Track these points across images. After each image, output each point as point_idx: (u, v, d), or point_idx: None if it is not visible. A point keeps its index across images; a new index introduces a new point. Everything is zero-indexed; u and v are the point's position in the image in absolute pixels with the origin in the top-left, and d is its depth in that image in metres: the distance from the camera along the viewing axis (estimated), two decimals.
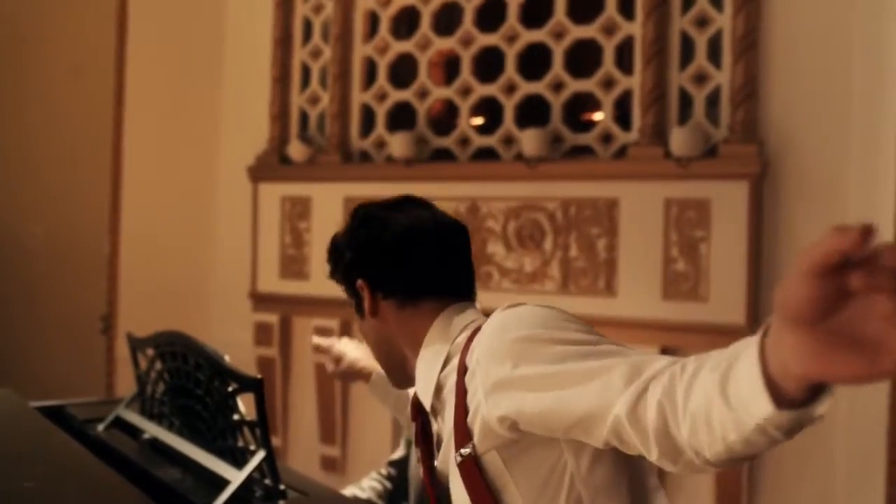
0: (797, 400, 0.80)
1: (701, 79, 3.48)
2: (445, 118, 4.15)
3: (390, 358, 1.46)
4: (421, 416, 1.41)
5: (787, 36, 3.34)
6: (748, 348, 0.84)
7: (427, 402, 1.35)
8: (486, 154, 3.96)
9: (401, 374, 1.46)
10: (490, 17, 3.93)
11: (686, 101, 3.51)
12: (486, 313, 2.27)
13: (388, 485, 2.61)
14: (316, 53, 4.40)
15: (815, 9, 3.31)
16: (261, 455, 1.82)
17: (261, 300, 4.45)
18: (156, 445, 2.16)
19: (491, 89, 3.94)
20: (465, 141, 4.01)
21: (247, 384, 1.88)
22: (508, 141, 3.89)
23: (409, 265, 1.40)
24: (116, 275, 4.63)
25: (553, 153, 3.72)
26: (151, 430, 2.20)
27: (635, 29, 3.59)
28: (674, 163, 3.41)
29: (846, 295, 0.69)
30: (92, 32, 4.89)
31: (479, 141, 3.97)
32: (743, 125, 3.35)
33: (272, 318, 4.40)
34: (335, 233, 1.50)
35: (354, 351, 1.95)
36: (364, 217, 1.46)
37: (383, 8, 4.22)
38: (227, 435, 1.92)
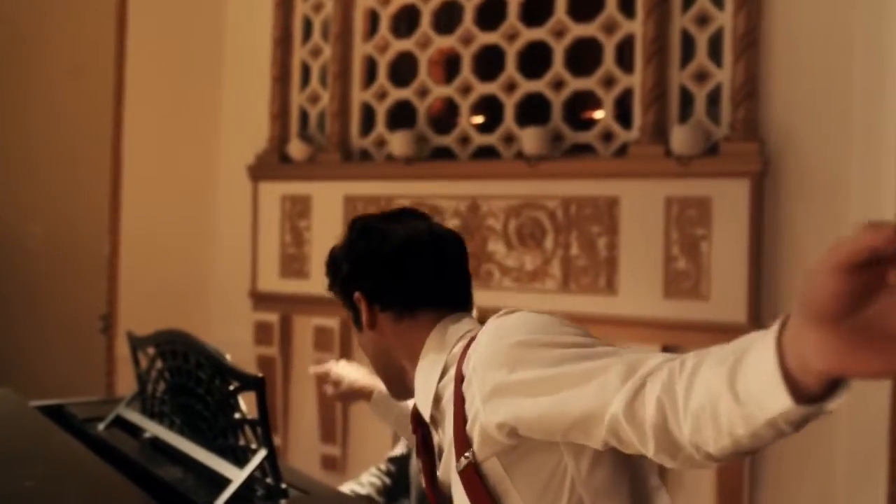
0: (815, 394, 0.80)
1: (702, 77, 3.48)
2: (446, 117, 4.15)
3: (389, 370, 1.46)
4: (421, 427, 1.41)
5: (787, 34, 3.34)
6: (759, 343, 0.84)
7: (426, 413, 1.35)
8: (487, 152, 3.95)
9: (400, 386, 1.46)
10: (490, 16, 3.93)
11: (687, 99, 3.51)
12: (484, 316, 2.28)
13: (388, 481, 2.61)
14: (316, 52, 4.39)
15: (815, 7, 3.31)
16: (262, 454, 1.82)
17: (261, 299, 4.44)
18: (157, 444, 2.15)
19: (491, 88, 3.94)
20: (465, 139, 4.01)
21: (248, 383, 1.88)
22: (509, 139, 3.88)
23: (406, 277, 1.40)
24: (116, 274, 4.63)
25: (553, 151, 3.72)
26: (152, 428, 2.19)
27: (636, 27, 3.58)
28: (674, 161, 3.41)
29: (871, 292, 0.69)
30: (92, 32, 4.89)
31: (480, 139, 3.97)
32: (744, 123, 3.35)
33: (272, 318, 4.39)
34: (333, 245, 1.50)
35: (353, 372, 1.97)
36: (361, 229, 1.46)
37: (383, 6, 4.22)
38: (229, 434, 1.91)
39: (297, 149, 4.31)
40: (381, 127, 4.22)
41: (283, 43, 4.43)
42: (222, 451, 1.92)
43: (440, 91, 4.09)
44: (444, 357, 1.33)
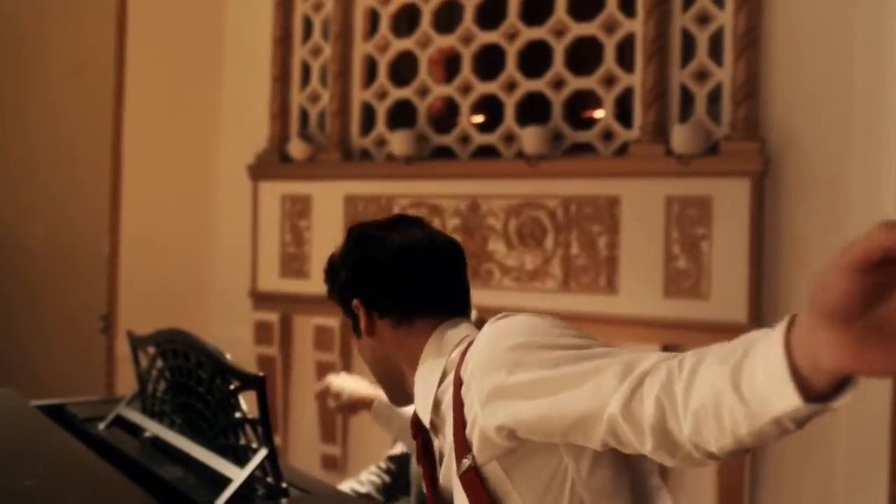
0: (823, 392, 0.80)
1: (702, 76, 3.48)
2: (446, 116, 4.15)
3: (388, 376, 1.46)
4: (421, 433, 1.42)
5: (788, 33, 3.34)
6: (763, 342, 0.85)
7: (426, 419, 1.35)
8: (487, 152, 3.95)
9: (400, 392, 1.47)
10: (490, 15, 3.92)
11: (687, 98, 3.51)
12: (484, 316, 2.27)
13: (387, 479, 2.61)
14: (316, 51, 4.39)
15: (816, 6, 3.31)
16: (263, 453, 1.81)
17: (261, 299, 4.44)
18: (157, 444, 2.15)
19: (491, 87, 3.94)
20: (465, 139, 4.01)
21: (248, 382, 1.88)
22: (509, 138, 3.88)
23: (403, 284, 1.41)
24: (116, 274, 4.62)
25: (554, 151, 3.72)
26: (153, 428, 2.19)
27: (636, 26, 3.58)
28: (675, 160, 3.40)
29: (883, 291, 0.70)
30: (92, 32, 4.88)
31: (480, 139, 3.97)
32: (744, 122, 3.34)
33: (272, 317, 4.39)
34: (331, 253, 1.50)
35: (353, 383, 1.97)
36: (359, 237, 1.46)
37: (383, 5, 4.22)
38: (229, 433, 1.91)
39: (297, 148, 4.30)
40: (381, 126, 4.21)
41: (283, 42, 4.43)
42: (223, 450, 1.91)
43: (440, 90, 4.09)
44: (443, 362, 1.33)
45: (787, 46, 3.34)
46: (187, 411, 2.07)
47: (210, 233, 4.69)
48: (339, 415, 4.04)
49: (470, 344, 1.27)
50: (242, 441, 1.88)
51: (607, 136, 3.69)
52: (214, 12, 4.69)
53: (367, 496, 2.54)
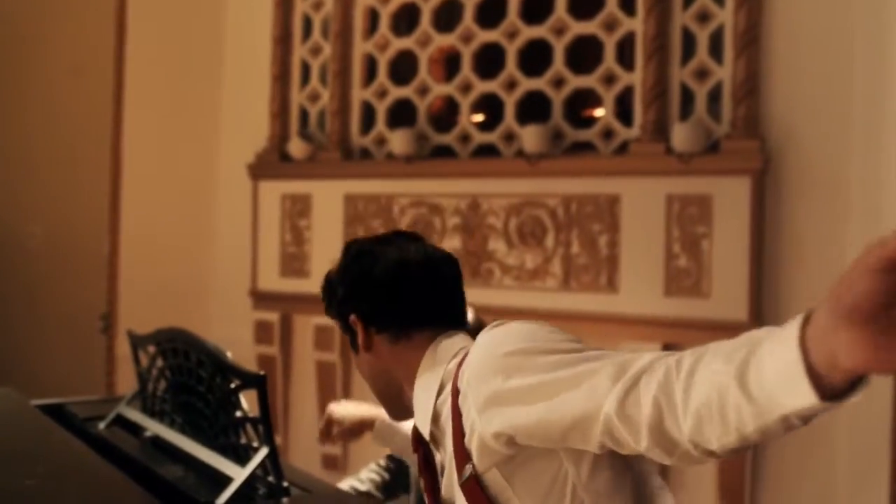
0: (837, 390, 0.81)
1: (702, 74, 3.47)
2: (446, 115, 4.14)
3: (387, 391, 1.47)
4: (422, 446, 1.42)
5: (788, 31, 3.34)
6: (772, 340, 0.85)
7: (426, 431, 1.36)
8: (487, 151, 3.95)
9: (399, 407, 1.47)
10: (490, 14, 3.92)
11: (687, 96, 3.50)
12: (480, 316, 2.27)
13: (387, 476, 2.61)
14: (316, 50, 4.39)
15: (816, 4, 3.30)
16: (264, 452, 1.81)
17: (261, 298, 4.44)
18: (157, 443, 2.15)
19: (491, 86, 3.93)
20: (465, 138, 4.00)
21: (249, 381, 1.87)
22: (509, 137, 3.88)
23: (400, 299, 1.41)
24: (116, 274, 4.62)
25: (554, 149, 3.71)
26: (153, 427, 2.19)
27: (636, 25, 3.58)
28: (675, 159, 3.40)
29: None
30: (92, 32, 4.88)
31: (480, 137, 3.96)
32: (745, 121, 3.34)
33: (273, 317, 4.39)
34: (329, 269, 1.51)
35: (352, 408, 1.98)
36: (355, 253, 1.47)
37: (383, 4, 4.21)
38: (230, 432, 1.91)
39: (297, 147, 4.30)
40: (381, 125, 4.21)
41: (282, 41, 4.43)
42: (223, 449, 1.91)
43: (440, 89, 4.09)
44: (440, 374, 1.34)
45: (787, 45, 3.34)
46: (188, 410, 2.06)
47: (210, 232, 4.69)
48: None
49: (466, 355, 1.27)
50: (243, 440, 1.88)
51: (607, 134, 3.68)
52: (214, 12, 4.68)
53: (367, 494, 2.54)
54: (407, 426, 1.61)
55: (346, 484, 2.60)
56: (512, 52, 3.87)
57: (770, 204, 3.33)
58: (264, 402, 1.82)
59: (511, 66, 3.88)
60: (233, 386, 1.90)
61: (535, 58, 3.82)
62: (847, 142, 3.22)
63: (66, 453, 2.04)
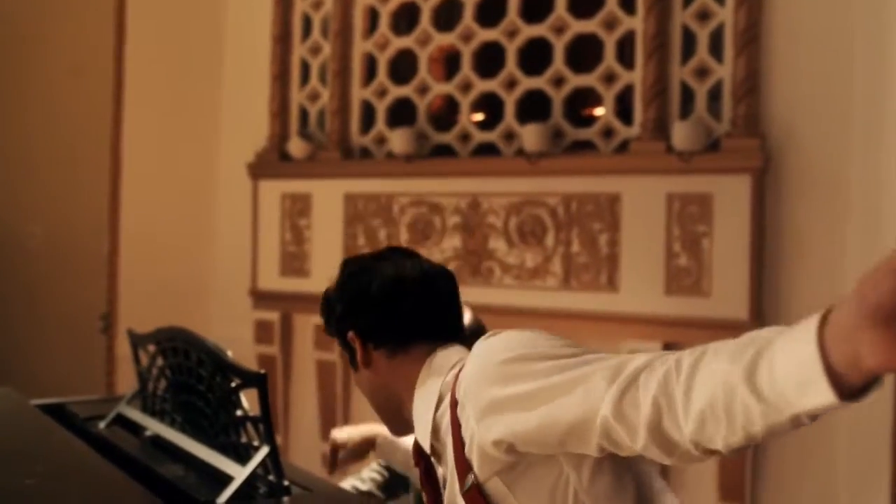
0: (855, 389, 0.82)
1: (702, 73, 3.47)
2: (446, 114, 4.14)
3: (387, 406, 1.47)
4: (423, 459, 1.43)
5: (788, 30, 3.33)
6: (784, 339, 0.86)
7: (426, 444, 1.36)
8: (487, 150, 3.94)
9: (399, 422, 1.47)
10: (490, 12, 3.92)
11: (688, 95, 3.50)
12: (478, 317, 2.27)
13: (388, 476, 2.60)
14: (315, 50, 4.38)
15: (816, 3, 3.30)
16: (265, 451, 1.81)
17: (261, 298, 4.44)
18: (158, 442, 2.14)
19: (491, 85, 3.93)
20: (465, 137, 4.00)
21: (250, 379, 1.87)
22: (509, 136, 3.88)
23: (396, 315, 1.42)
24: (116, 273, 4.62)
25: (554, 148, 3.71)
26: (153, 426, 2.18)
27: (636, 23, 3.58)
28: (676, 157, 3.40)
29: None
30: (91, 32, 4.88)
31: (480, 136, 3.96)
32: (745, 119, 3.34)
33: (273, 316, 4.39)
34: (327, 287, 1.52)
35: (353, 430, 1.98)
36: (352, 270, 1.48)
37: (383, 3, 4.21)
38: (230, 431, 1.90)
39: (297, 147, 4.30)
40: (381, 124, 4.21)
41: (282, 41, 4.42)
42: (224, 448, 1.91)
43: (440, 88, 4.08)
44: (438, 386, 1.34)
45: (787, 43, 3.33)
46: (188, 409, 2.06)
47: (210, 232, 4.68)
48: (337, 403, 4.07)
49: (463, 366, 1.28)
50: (244, 439, 1.88)
51: (608, 133, 3.68)
52: (214, 11, 4.68)
53: (368, 494, 2.53)
54: (408, 441, 1.62)
55: (347, 483, 2.60)
56: (512, 50, 3.87)
57: (770, 202, 3.33)
58: (265, 400, 1.81)
59: (511, 65, 3.87)
60: (233, 385, 1.90)
61: (535, 56, 3.82)
62: (847, 140, 3.21)
63: (67, 453, 2.04)
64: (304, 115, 4.43)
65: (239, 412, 1.89)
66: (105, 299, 4.64)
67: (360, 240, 4.13)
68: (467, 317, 1.62)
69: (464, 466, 1.25)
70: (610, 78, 3.67)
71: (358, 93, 4.28)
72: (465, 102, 3.99)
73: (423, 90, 4.11)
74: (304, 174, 4.33)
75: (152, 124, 4.61)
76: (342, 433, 2.00)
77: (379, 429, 1.86)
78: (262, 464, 1.81)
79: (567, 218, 3.65)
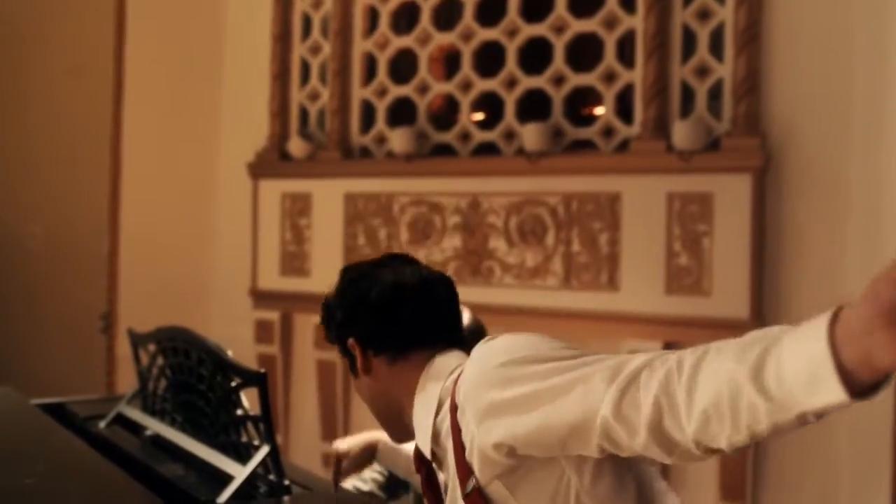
0: (865, 388, 0.82)
1: (703, 72, 3.47)
2: (446, 113, 4.14)
3: (388, 412, 1.47)
4: (424, 465, 1.42)
5: (789, 29, 3.33)
6: (792, 339, 0.86)
7: (426, 450, 1.36)
8: (487, 149, 3.94)
9: (399, 428, 1.47)
10: (490, 12, 3.92)
11: (688, 94, 3.50)
12: (476, 317, 2.26)
13: (389, 475, 2.60)
14: (315, 49, 4.38)
15: (817, 2, 3.30)
16: (265, 450, 1.81)
17: (261, 297, 4.43)
18: (158, 442, 2.14)
19: (492, 84, 3.93)
20: (465, 136, 4.00)
21: (250, 379, 1.87)
22: (509, 135, 3.87)
23: (395, 322, 1.42)
24: (116, 273, 4.62)
25: (554, 147, 3.71)
26: (154, 426, 2.18)
27: (636, 22, 3.57)
28: (676, 156, 3.40)
29: None
30: (91, 32, 4.88)
31: (480, 136, 3.96)
32: (745, 118, 3.34)
33: (273, 316, 4.38)
34: (327, 294, 1.52)
35: (353, 440, 1.98)
36: (351, 277, 1.48)
37: (383, 3, 4.21)
38: (231, 430, 1.90)
39: (297, 146, 4.30)
40: (381, 124, 4.21)
41: (282, 40, 4.42)
42: (224, 447, 1.91)
43: (440, 88, 4.08)
44: (438, 391, 1.34)
45: (787, 42, 3.33)
46: (188, 409, 2.06)
47: (210, 231, 4.68)
48: (337, 402, 4.07)
49: (462, 372, 1.28)
50: (244, 438, 1.88)
51: (608, 132, 3.68)
52: (214, 11, 4.68)
53: (369, 494, 2.53)
54: (409, 447, 1.61)
55: (349, 483, 2.59)
56: (512, 50, 3.87)
57: (771, 201, 3.32)
58: (265, 400, 1.81)
59: (511, 65, 3.87)
60: (233, 384, 1.90)
61: (536, 56, 3.82)
62: (847, 139, 3.21)
63: (67, 452, 2.04)
64: (304, 114, 4.43)
65: (239, 411, 1.89)
66: (105, 299, 4.64)
67: (361, 239, 4.13)
68: (466, 317, 1.62)
69: (465, 470, 1.25)
70: (610, 77, 3.67)
71: (358, 92, 4.28)
72: (465, 102, 3.99)
73: (423, 89, 4.11)
74: (305, 174, 4.33)
75: (152, 124, 4.61)
76: (344, 443, 2.00)
77: (380, 435, 1.86)
78: (263, 463, 1.81)
79: (567, 217, 3.65)
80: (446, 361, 1.38)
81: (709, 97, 3.46)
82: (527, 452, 1.17)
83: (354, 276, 1.48)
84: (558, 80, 3.78)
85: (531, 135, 3.66)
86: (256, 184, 4.47)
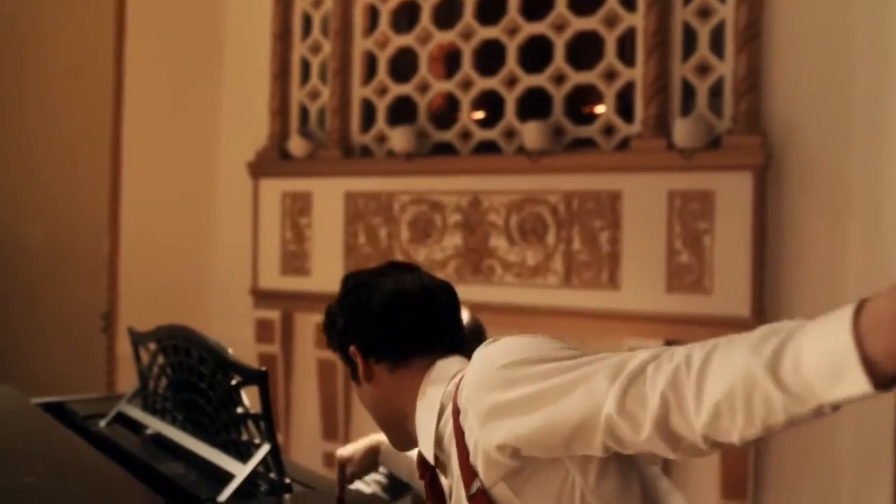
0: (889, 378, 0.83)
1: (703, 70, 3.46)
2: (446, 112, 4.13)
3: (390, 419, 1.47)
4: (428, 470, 1.42)
5: (789, 26, 3.33)
6: (812, 332, 0.86)
7: (430, 455, 1.36)
8: (488, 147, 3.94)
9: (402, 435, 1.48)
10: (491, 10, 3.91)
11: (689, 92, 3.49)
12: (475, 316, 2.25)
13: (393, 477, 2.60)
14: (316, 48, 4.38)
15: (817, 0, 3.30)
16: (266, 448, 1.80)
17: (262, 297, 4.43)
18: (159, 441, 2.14)
19: (492, 82, 3.92)
20: (466, 134, 4.00)
21: (251, 377, 1.86)
22: (510, 134, 3.87)
23: (395, 330, 1.43)
24: (117, 273, 4.62)
25: (555, 146, 3.71)
26: (154, 425, 2.18)
27: (637, 20, 3.57)
28: (677, 154, 3.39)
29: None
30: (92, 32, 4.87)
31: (481, 134, 3.96)
32: (746, 116, 3.33)
33: (274, 315, 4.38)
34: (329, 303, 1.53)
35: (356, 445, 1.98)
36: (353, 285, 1.49)
37: (383, 2, 4.21)
38: (231, 429, 1.90)
39: (297, 145, 4.29)
40: (381, 123, 4.20)
41: (282, 39, 4.42)
42: (225, 446, 1.90)
43: (441, 86, 4.08)
44: (440, 396, 1.34)
45: (788, 40, 3.33)
46: (189, 408, 2.06)
47: (210, 231, 4.68)
48: (338, 401, 4.06)
49: (464, 376, 1.28)
50: (245, 437, 1.87)
51: (608, 130, 3.67)
52: (214, 10, 4.68)
53: (372, 495, 2.52)
54: (412, 451, 1.61)
55: (351, 487, 2.59)
56: (512, 48, 3.87)
57: (772, 199, 3.32)
58: (266, 398, 1.81)
59: (511, 63, 3.87)
60: (234, 382, 1.89)
61: (536, 54, 3.82)
62: (848, 137, 3.21)
63: (67, 451, 2.04)
64: (304, 113, 4.42)
65: (240, 409, 1.88)
66: (105, 299, 4.64)
67: (361, 238, 4.13)
68: (465, 316, 1.61)
69: (469, 473, 1.25)
70: (611, 75, 3.67)
71: (358, 91, 4.27)
72: (465, 100, 3.99)
73: (423, 88, 4.10)
74: (305, 173, 4.33)
75: (152, 124, 4.60)
76: (346, 450, 1.99)
77: (381, 438, 1.85)
78: (264, 461, 1.80)
79: (568, 215, 3.65)
80: (447, 366, 1.38)
81: (709, 95, 3.46)
82: (530, 453, 1.17)
83: (355, 284, 1.48)
84: (559, 79, 3.78)
85: (532, 133, 3.66)
86: (257, 183, 4.47)
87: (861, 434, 3.14)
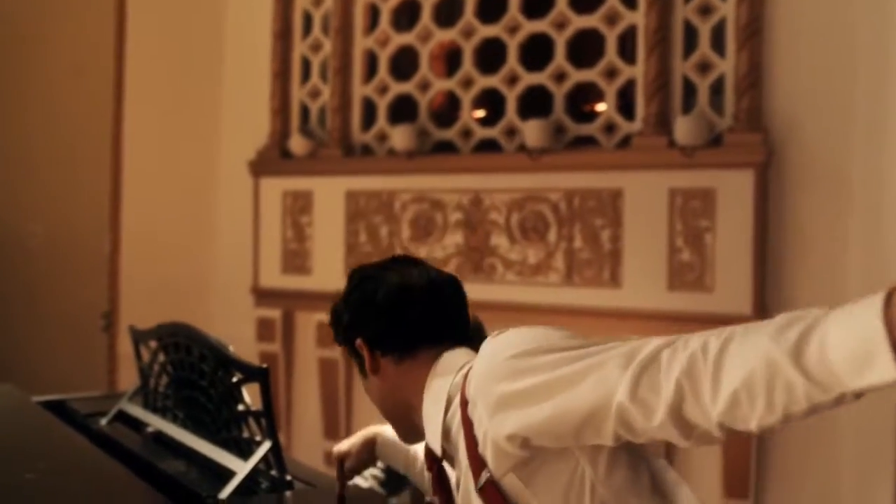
0: None
1: (704, 67, 3.46)
2: (447, 110, 4.13)
3: (396, 412, 1.47)
4: (435, 463, 1.42)
5: (791, 24, 3.32)
6: (838, 320, 0.87)
7: (437, 447, 1.36)
8: (489, 146, 3.94)
9: (409, 428, 1.47)
10: (491, 8, 3.91)
11: (690, 89, 3.49)
12: (476, 315, 2.25)
13: (390, 471, 2.59)
14: (316, 47, 4.38)
15: None
16: (267, 445, 1.80)
17: (263, 295, 4.43)
18: (160, 439, 2.14)
19: (493, 81, 3.92)
20: (467, 133, 3.99)
21: (251, 374, 1.86)
22: (511, 132, 3.87)
23: (401, 323, 1.43)
24: (117, 272, 4.62)
25: (556, 144, 3.70)
26: (155, 423, 2.17)
27: (638, 18, 3.57)
28: (678, 152, 3.39)
29: None
30: (91, 32, 4.88)
31: (482, 133, 3.95)
32: (747, 113, 3.33)
33: (274, 314, 4.38)
34: (332, 300, 1.53)
35: (352, 440, 1.98)
36: (359, 279, 1.49)
37: (383, 0, 4.20)
38: (232, 426, 1.89)
39: (298, 144, 4.29)
40: (382, 121, 4.20)
41: (283, 38, 4.42)
42: (226, 443, 1.90)
43: (441, 85, 4.08)
44: (447, 387, 1.34)
45: (789, 37, 3.32)
46: (190, 405, 2.05)
47: (211, 230, 4.68)
48: (339, 401, 4.06)
49: (472, 368, 1.28)
50: (246, 434, 1.87)
51: (609, 128, 3.67)
52: (214, 9, 4.67)
53: (370, 490, 2.52)
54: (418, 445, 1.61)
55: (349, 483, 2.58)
56: (513, 46, 3.86)
57: (773, 197, 3.32)
58: (267, 395, 1.80)
59: (512, 61, 3.86)
60: (235, 380, 1.89)
61: (537, 52, 3.81)
62: (850, 134, 3.20)
63: (68, 449, 2.03)
64: (305, 112, 4.42)
65: (241, 407, 1.88)
66: (106, 297, 4.64)
67: (362, 237, 4.13)
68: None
69: (478, 464, 1.25)
70: (611, 73, 3.66)
71: (359, 90, 4.27)
72: (466, 99, 3.99)
73: (424, 87, 4.10)
74: (306, 171, 4.32)
75: (153, 123, 4.60)
76: (343, 445, 1.99)
77: (376, 429, 1.85)
78: (265, 459, 1.80)
79: (569, 214, 3.64)
80: (454, 358, 1.38)
81: (711, 93, 3.45)
82: (540, 443, 1.17)
83: (361, 278, 1.48)
84: (559, 77, 3.77)
85: (532, 131, 3.65)
86: (257, 182, 4.46)
87: (862, 432, 3.14)
